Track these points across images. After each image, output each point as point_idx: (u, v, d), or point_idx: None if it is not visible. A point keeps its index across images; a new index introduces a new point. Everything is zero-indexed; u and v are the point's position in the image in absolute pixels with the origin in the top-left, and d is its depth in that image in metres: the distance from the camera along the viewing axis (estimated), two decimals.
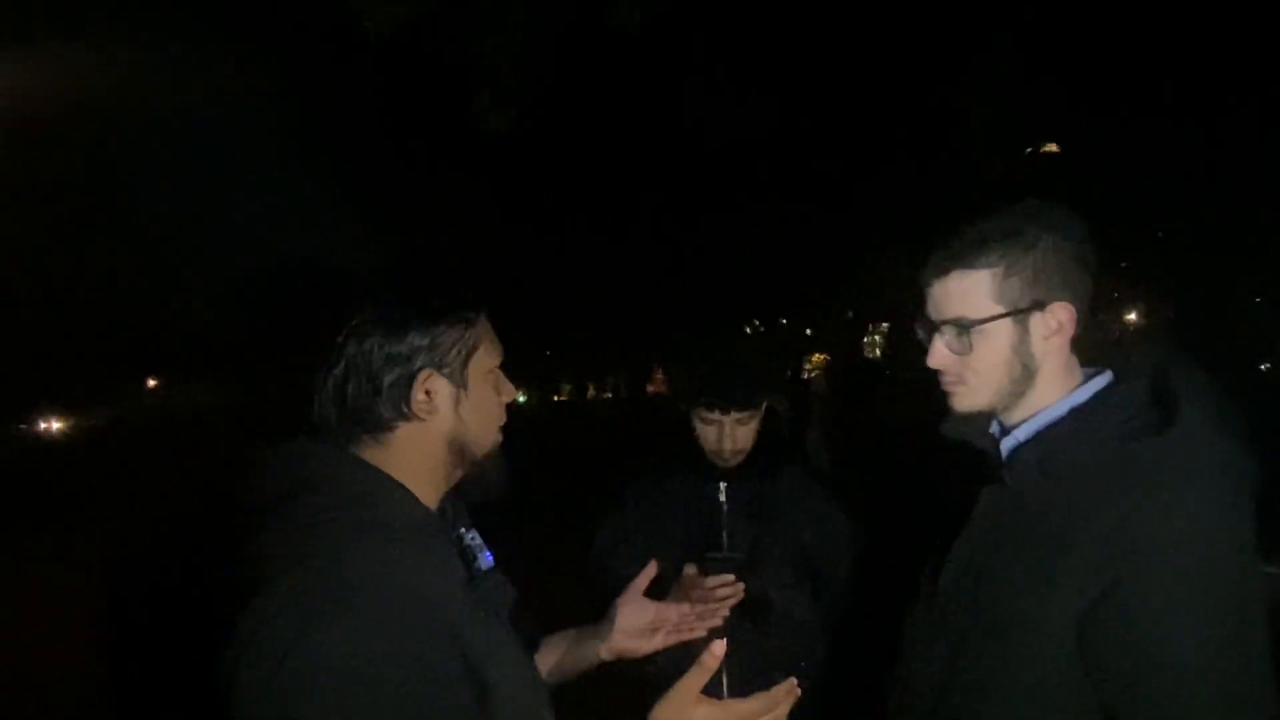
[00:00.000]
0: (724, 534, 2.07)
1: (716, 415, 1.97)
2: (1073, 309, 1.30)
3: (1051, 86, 7.00)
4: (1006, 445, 1.36)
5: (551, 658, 1.49)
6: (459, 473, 1.22)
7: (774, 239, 11.81)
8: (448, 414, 1.18)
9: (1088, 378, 1.35)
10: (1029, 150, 11.93)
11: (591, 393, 45.22)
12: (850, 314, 17.14)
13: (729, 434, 1.98)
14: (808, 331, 26.94)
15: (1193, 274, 6.75)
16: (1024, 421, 1.34)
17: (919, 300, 1.40)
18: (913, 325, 1.44)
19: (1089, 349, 1.41)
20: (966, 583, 1.35)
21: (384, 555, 1.04)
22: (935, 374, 1.39)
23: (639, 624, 1.50)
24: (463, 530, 1.26)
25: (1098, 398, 1.31)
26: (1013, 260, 1.29)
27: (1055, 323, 1.30)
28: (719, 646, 1.06)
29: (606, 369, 37.83)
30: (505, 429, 1.28)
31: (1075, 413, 1.30)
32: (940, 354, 1.35)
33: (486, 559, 1.25)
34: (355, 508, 1.08)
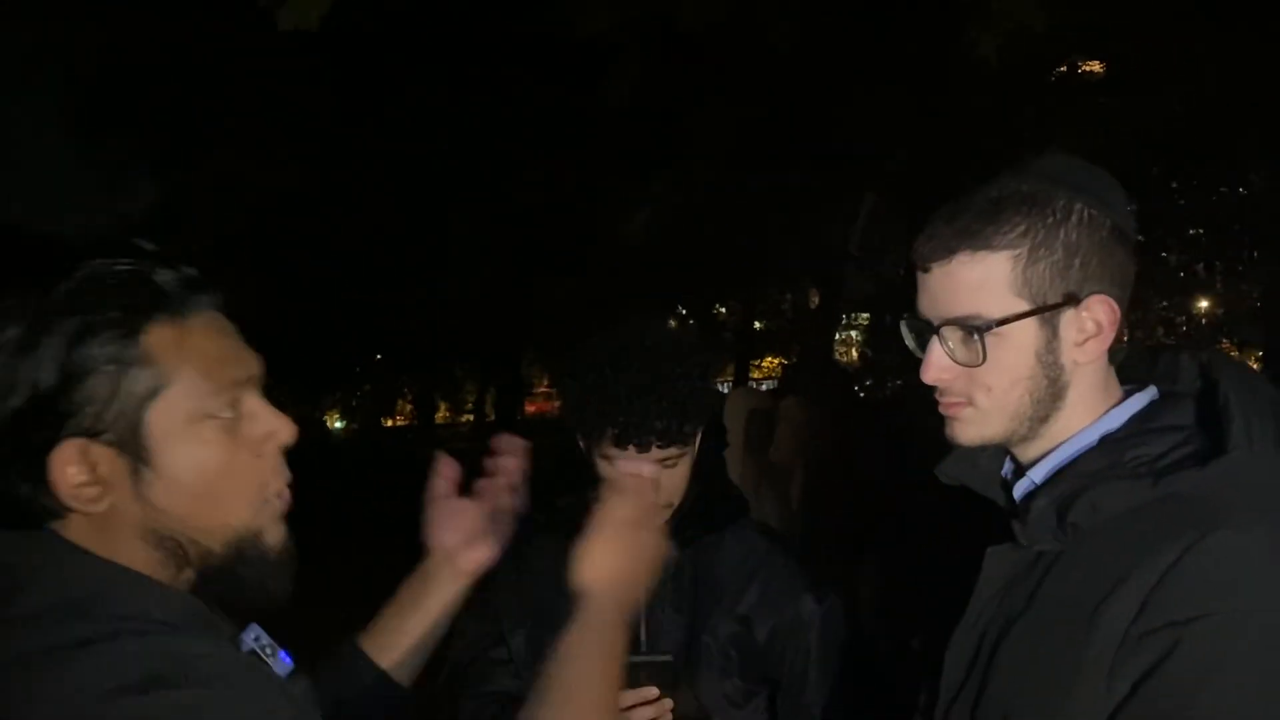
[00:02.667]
0: (643, 626, 2.06)
1: (630, 455, 1.96)
2: (1114, 303, 1.35)
3: None
4: (1019, 491, 1.43)
5: (392, 645, 1.55)
6: (189, 575, 1.14)
7: (703, 182, 11.94)
8: (126, 500, 1.09)
9: (1127, 395, 1.42)
10: (1060, 69, 12.42)
11: (443, 413, 44.70)
12: (817, 298, 17.42)
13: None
14: (755, 324, 27.32)
15: None
16: (1043, 457, 1.41)
17: (907, 290, 1.44)
18: (899, 324, 1.48)
19: (1128, 356, 1.48)
20: (975, 677, 1.40)
21: (168, 647, 1.01)
22: (931, 390, 1.43)
23: (464, 526, 1.62)
24: (237, 629, 1.23)
25: (1137, 421, 1.38)
26: (1039, 239, 1.33)
27: (1093, 323, 1.35)
28: None
29: (465, 378, 37.52)
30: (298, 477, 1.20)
31: (1107, 444, 1.37)
32: (940, 365, 1.39)
33: (283, 661, 1.22)
34: (98, 608, 1.03)
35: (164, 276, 1.11)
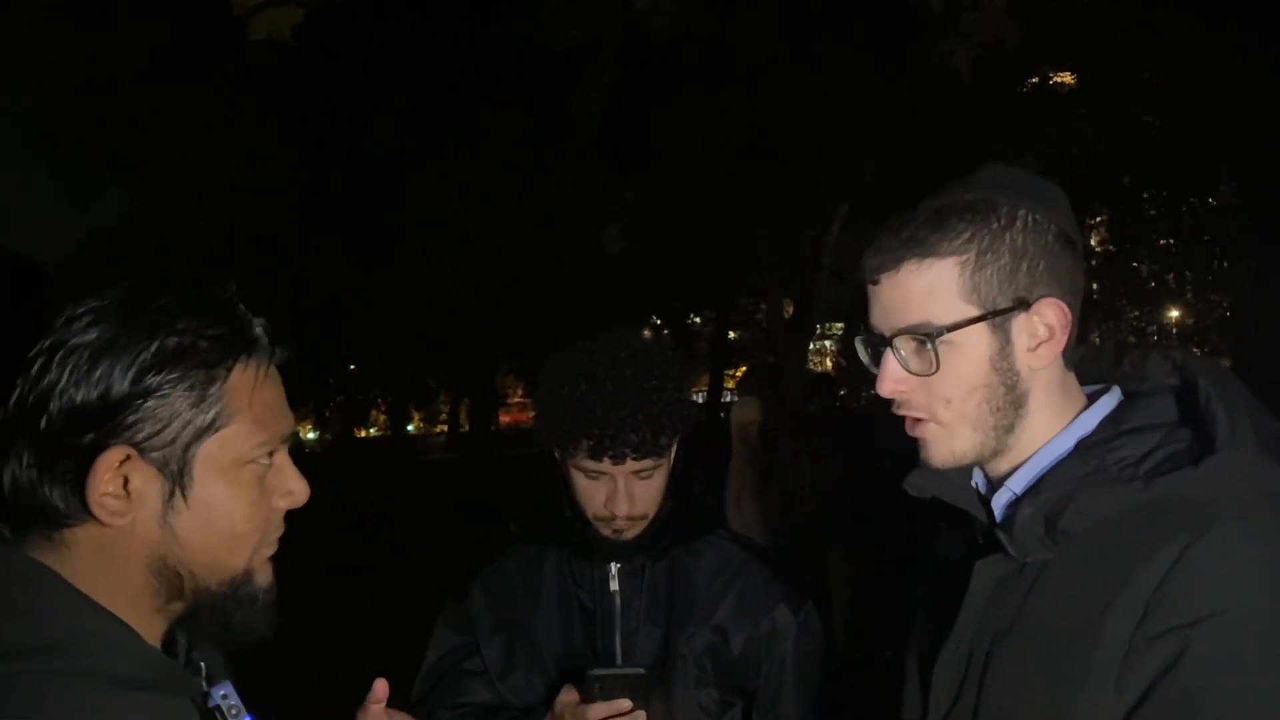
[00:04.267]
0: (617, 638, 2.05)
1: (604, 466, 1.95)
2: (1064, 307, 1.36)
3: None
4: (1000, 502, 1.42)
5: None
6: (176, 607, 1.16)
7: (678, 193, 11.98)
8: (148, 522, 1.10)
9: (1092, 399, 1.43)
10: (1032, 81, 12.52)
11: (417, 424, 44.55)
12: (791, 308, 17.49)
13: (623, 492, 1.96)
14: (730, 334, 27.37)
15: (1269, 253, 7.12)
16: (1018, 468, 1.40)
17: (860, 306, 1.44)
18: (853, 341, 1.49)
19: (1084, 361, 1.48)
20: (968, 693, 1.39)
21: None
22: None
23: None
24: (206, 681, 1.23)
25: (1110, 423, 1.38)
26: (985, 244, 1.34)
27: (1044, 327, 1.35)
28: None
29: (439, 389, 37.39)
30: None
31: (1084, 448, 1.36)
32: (895, 377, 1.39)
33: None
34: (51, 653, 1.04)
35: (259, 322, 1.16)
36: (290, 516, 1.24)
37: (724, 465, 5.63)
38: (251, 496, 1.15)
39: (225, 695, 1.21)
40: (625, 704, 1.78)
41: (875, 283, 1.39)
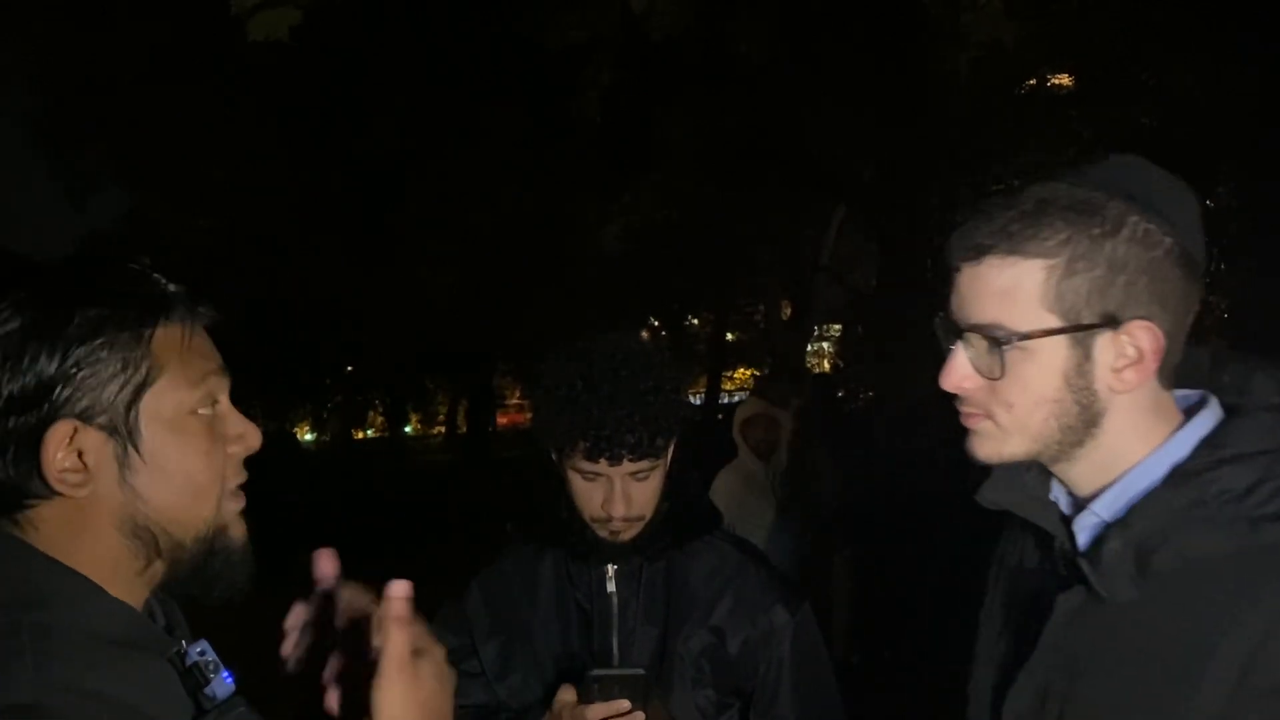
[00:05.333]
0: (614, 639, 2.06)
1: (601, 467, 1.94)
2: (1159, 332, 1.22)
3: None
4: (1084, 527, 1.31)
5: None
6: (158, 568, 1.18)
7: (675, 194, 11.99)
8: (110, 486, 1.13)
9: (1187, 413, 1.31)
10: (1030, 82, 12.52)
11: (414, 425, 44.46)
12: (789, 309, 17.50)
13: (619, 494, 1.96)
14: (728, 336, 27.35)
15: (1269, 253, 7.11)
16: (1105, 489, 1.29)
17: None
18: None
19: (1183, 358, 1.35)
20: None
21: (68, 679, 1.03)
22: (944, 397, 1.34)
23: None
24: (185, 642, 1.23)
25: (1208, 449, 1.25)
26: (1080, 250, 1.22)
27: (1133, 350, 1.23)
28: None
29: (436, 390, 37.35)
30: (260, 484, 1.24)
31: (1180, 476, 1.23)
32: (960, 373, 1.29)
33: (225, 681, 1.22)
34: (29, 607, 1.06)
35: (174, 286, 1.19)
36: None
37: (721, 467, 5.63)
38: (203, 445, 1.18)
39: (203, 652, 1.22)
40: (624, 704, 1.78)
41: (957, 269, 1.29)
